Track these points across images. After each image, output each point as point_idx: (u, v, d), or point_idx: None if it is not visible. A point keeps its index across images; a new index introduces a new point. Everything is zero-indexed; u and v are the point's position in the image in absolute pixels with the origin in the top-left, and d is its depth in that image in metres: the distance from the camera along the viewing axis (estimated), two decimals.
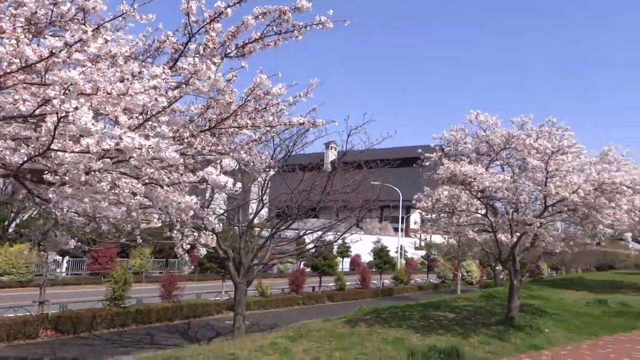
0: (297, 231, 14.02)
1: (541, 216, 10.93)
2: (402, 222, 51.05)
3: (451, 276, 34.04)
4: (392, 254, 42.89)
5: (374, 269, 34.82)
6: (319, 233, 12.40)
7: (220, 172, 4.09)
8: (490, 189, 10.60)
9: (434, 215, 12.71)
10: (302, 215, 12.16)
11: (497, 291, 18.81)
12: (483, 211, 11.86)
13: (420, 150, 12.11)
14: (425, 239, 48.50)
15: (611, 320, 14.04)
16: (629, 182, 9.56)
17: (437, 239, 36.27)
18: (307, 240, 15.14)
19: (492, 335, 11.24)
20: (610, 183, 9.48)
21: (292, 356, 9.25)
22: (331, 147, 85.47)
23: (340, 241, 35.35)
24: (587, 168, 10.43)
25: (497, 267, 30.35)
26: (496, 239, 11.68)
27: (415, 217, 59.74)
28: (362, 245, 41.26)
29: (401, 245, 48.62)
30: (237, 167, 4.90)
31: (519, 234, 11.53)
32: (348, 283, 28.94)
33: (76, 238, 6.00)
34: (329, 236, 12.94)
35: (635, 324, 13.73)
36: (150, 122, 3.82)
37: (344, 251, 40.21)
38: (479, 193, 11.21)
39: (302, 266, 28.86)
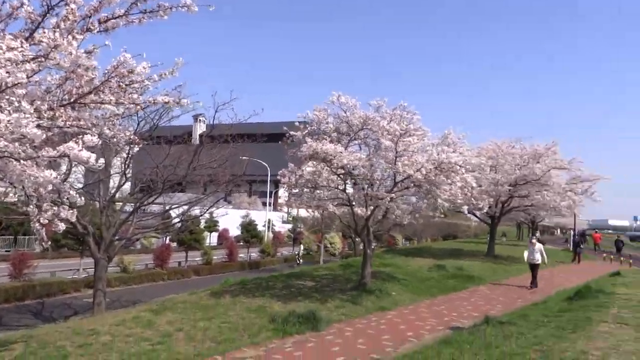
0: (162, 206, 13.85)
1: (391, 191, 12.13)
2: (271, 197, 51.96)
3: (315, 248, 35.68)
4: (260, 227, 43.67)
5: (242, 243, 35.27)
6: (185, 207, 12.42)
7: (82, 147, 4.14)
8: (348, 166, 11.49)
9: (297, 190, 13.43)
10: (167, 190, 12.08)
11: (355, 260, 20.34)
12: (342, 186, 12.80)
13: (285, 128, 12.65)
14: (289, 213, 50.02)
15: (447, 282, 16.09)
16: (461, 162, 11.07)
17: (304, 213, 37.70)
18: (173, 215, 15.02)
19: (346, 299, 12.34)
20: (447, 162, 10.88)
21: (156, 328, 9.36)
22: (200, 119, 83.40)
23: (207, 215, 35.17)
24: (429, 149, 11.79)
25: (357, 239, 32.52)
26: (353, 212, 12.72)
27: (283, 191, 61.02)
28: (230, 220, 41.37)
29: (269, 219, 49.57)
30: (100, 142, 4.93)
31: (372, 207, 12.68)
32: (215, 257, 29.04)
33: None
34: (196, 210, 13.01)
35: (466, 284, 15.93)
36: (6, 96, 3.76)
37: (212, 226, 40.01)
38: (339, 169, 12.09)
39: (167, 241, 28.29)
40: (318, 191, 13.60)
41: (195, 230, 25.14)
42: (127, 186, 15.41)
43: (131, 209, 12.42)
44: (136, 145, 6.19)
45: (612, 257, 29.76)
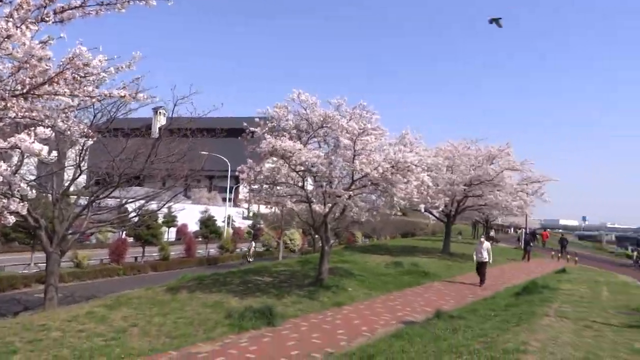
0: (118, 199, 13.62)
1: (349, 189, 12.34)
2: (231, 192, 51.56)
3: (275, 244, 35.66)
4: (220, 223, 43.26)
5: (201, 239, 34.94)
6: (142, 202, 12.24)
7: (34, 139, 4.10)
8: (307, 163, 11.59)
9: (256, 186, 13.47)
10: (124, 184, 11.92)
11: (314, 257, 20.52)
12: (301, 183, 12.92)
13: (245, 123, 12.65)
14: (249, 209, 49.79)
15: (403, 278, 16.47)
16: (417, 161, 11.37)
17: (264, 209, 37.60)
18: (130, 209, 14.78)
19: (303, 295, 12.49)
20: (403, 162, 11.16)
21: (109, 324, 9.27)
22: (160, 112, 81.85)
23: (165, 210, 34.48)
24: (386, 148, 12.06)
25: (316, 236, 32.64)
26: (311, 208, 12.85)
27: (243, 187, 60.46)
28: (189, 215, 40.84)
29: (229, 215, 49.21)
30: (53, 135, 4.87)
31: (330, 205, 12.85)
32: (173, 253, 28.62)
33: None
34: (153, 205, 12.82)
35: (420, 280, 16.36)
36: None
37: (170, 221, 39.43)
38: (298, 167, 12.20)
39: (124, 236, 27.68)
40: (278, 187, 13.70)
41: (152, 225, 24.71)
42: (82, 179, 15.07)
43: (86, 203, 12.16)
44: (90, 138, 6.12)
45: (559, 255, 31.10)
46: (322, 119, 12.35)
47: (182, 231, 41.33)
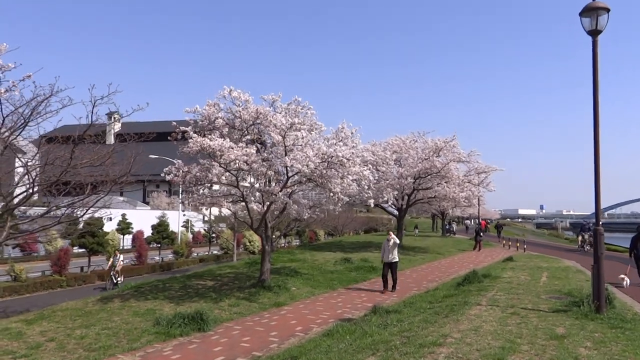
0: (46, 207, 12.92)
1: (285, 186, 12.05)
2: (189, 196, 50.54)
3: (232, 247, 35.11)
4: (179, 228, 42.37)
5: (154, 244, 34.19)
6: (64, 210, 11.57)
7: None
8: (237, 161, 11.18)
9: (193, 188, 13.01)
10: (47, 191, 11.29)
11: None
12: (235, 183, 12.53)
13: (174, 123, 12.17)
14: (210, 212, 48.82)
15: (350, 274, 16.30)
16: (349, 155, 11.15)
17: (225, 211, 36.88)
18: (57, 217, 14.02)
19: (243, 297, 12.17)
20: (335, 156, 10.94)
21: (25, 340, 8.75)
22: (114, 117, 79.51)
23: (120, 217, 33.39)
24: (316, 143, 11.80)
25: (274, 235, 32.12)
26: (248, 208, 12.51)
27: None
28: (146, 221, 39.82)
29: (188, 219, 48.29)
30: None
31: (268, 203, 12.54)
32: (127, 260, 27.85)
33: None
34: (80, 212, 12.17)
35: (368, 275, 16.23)
36: None
37: (125, 228, 38.40)
38: (230, 165, 11.78)
39: (67, 245, 26.64)
40: (215, 187, 13.29)
41: (97, 234, 23.84)
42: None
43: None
44: None
45: (509, 242, 31.63)
46: (254, 116, 12.00)
47: (139, 238, 40.34)
